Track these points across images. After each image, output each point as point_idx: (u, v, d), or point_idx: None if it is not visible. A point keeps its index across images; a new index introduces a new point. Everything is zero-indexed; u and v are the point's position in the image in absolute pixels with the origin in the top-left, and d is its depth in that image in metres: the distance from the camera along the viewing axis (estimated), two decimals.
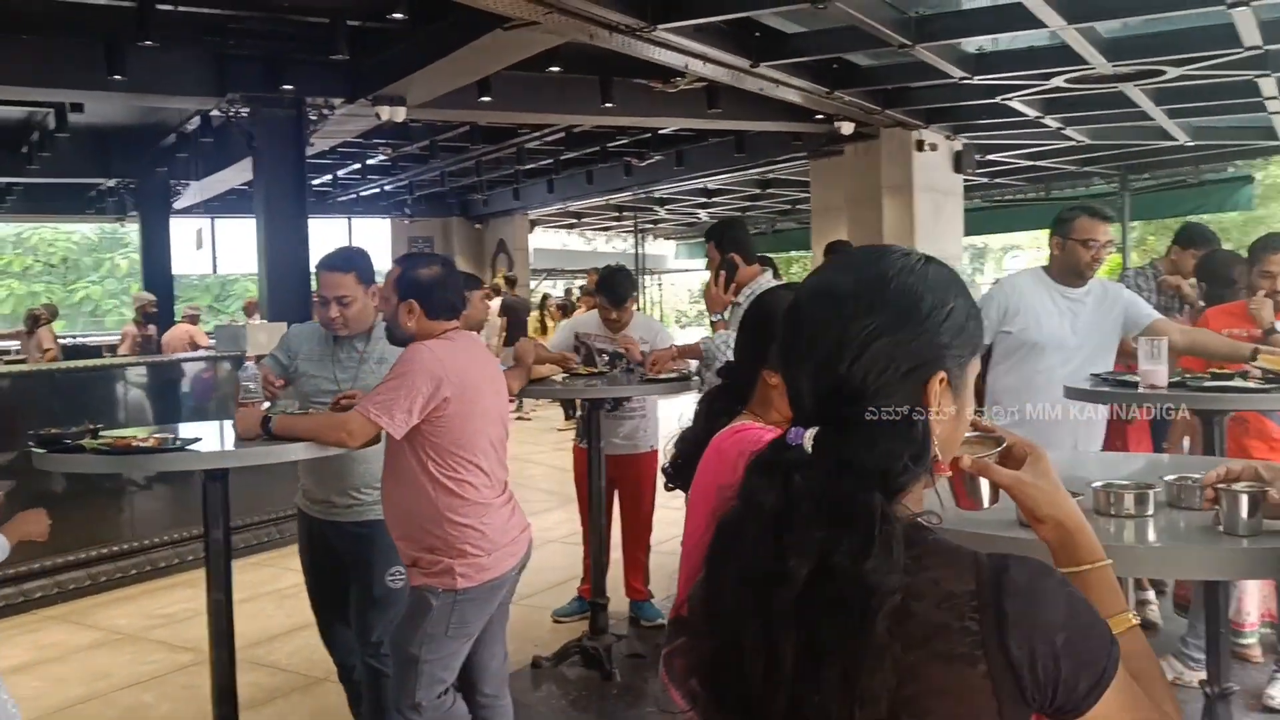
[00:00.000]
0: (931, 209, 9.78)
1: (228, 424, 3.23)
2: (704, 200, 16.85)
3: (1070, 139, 9.91)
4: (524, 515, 3.16)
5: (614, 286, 5.02)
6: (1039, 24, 5.60)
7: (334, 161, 13.21)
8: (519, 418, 12.14)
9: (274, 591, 5.83)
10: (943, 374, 1.08)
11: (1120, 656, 1.02)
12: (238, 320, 15.28)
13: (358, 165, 13.75)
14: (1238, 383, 3.31)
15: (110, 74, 6.96)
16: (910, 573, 0.98)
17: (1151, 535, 1.82)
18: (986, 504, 1.23)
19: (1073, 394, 3.54)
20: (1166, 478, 1.95)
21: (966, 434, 1.22)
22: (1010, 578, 0.99)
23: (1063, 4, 5.47)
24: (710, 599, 1.06)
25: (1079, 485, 1.84)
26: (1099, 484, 1.89)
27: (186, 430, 3.32)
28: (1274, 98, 7.80)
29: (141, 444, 2.75)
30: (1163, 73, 6.88)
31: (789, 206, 17.16)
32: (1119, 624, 1.12)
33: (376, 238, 20.04)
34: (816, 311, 1.11)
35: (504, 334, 13.09)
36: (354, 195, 16.92)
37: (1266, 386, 3.23)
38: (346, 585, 3.46)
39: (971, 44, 6.73)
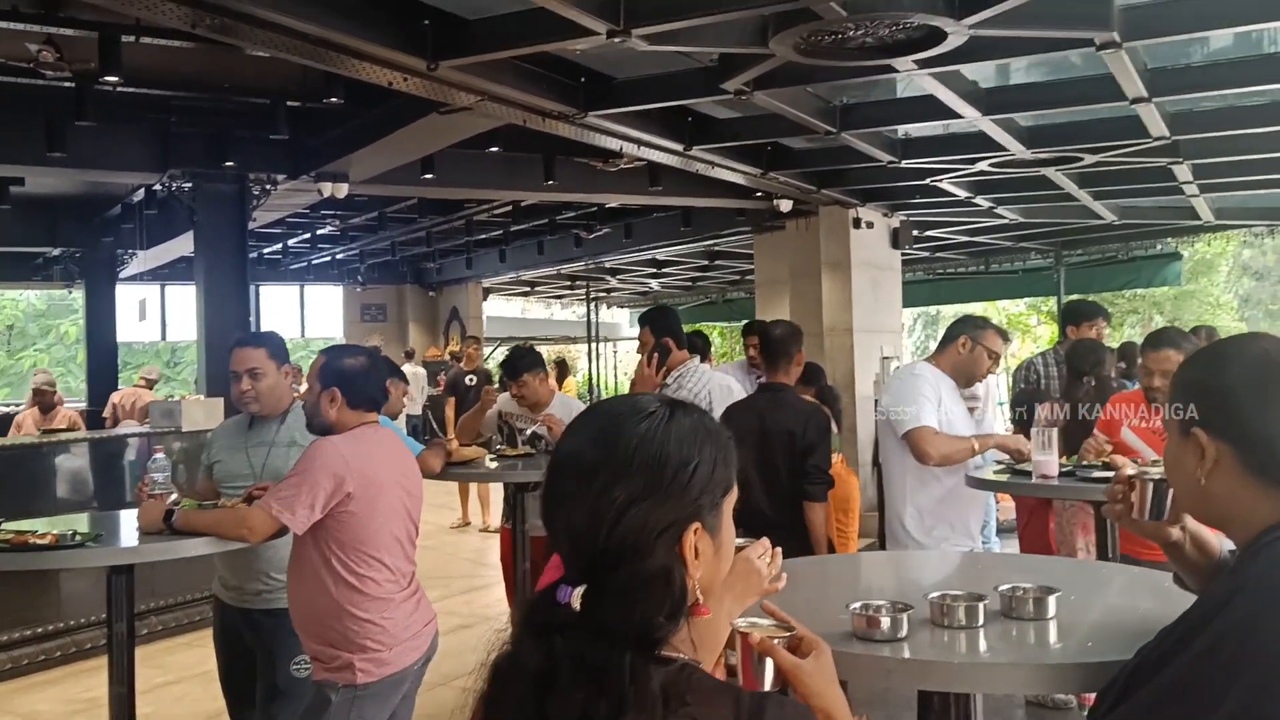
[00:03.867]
0: (869, 284, 9.97)
1: (132, 513, 3.24)
2: (654, 271, 17.01)
3: (1003, 217, 10.17)
4: (430, 608, 3.18)
5: (511, 361, 5.11)
6: (955, 115, 5.81)
7: (284, 231, 13.23)
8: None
9: (203, 674, 5.72)
10: (697, 525, 1.13)
11: None
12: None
13: (307, 235, 13.79)
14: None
15: (50, 150, 7.01)
16: (673, 711, 1.03)
17: (982, 648, 1.85)
18: (767, 686, 1.29)
19: (974, 483, 3.66)
20: (1000, 588, 2.00)
21: (764, 623, 1.32)
22: (766, 718, 1.05)
23: (977, 97, 5.69)
24: None
25: (915, 597, 1.91)
26: (935, 595, 1.95)
27: (90, 522, 3.33)
28: (1189, 182, 8.09)
29: (39, 541, 2.76)
30: (1080, 159, 7.13)
31: (738, 277, 17.36)
32: None
33: (329, 305, 20.08)
34: (568, 484, 1.15)
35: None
36: (306, 263, 16.94)
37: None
38: (255, 675, 3.46)
39: (898, 130, 6.94)
